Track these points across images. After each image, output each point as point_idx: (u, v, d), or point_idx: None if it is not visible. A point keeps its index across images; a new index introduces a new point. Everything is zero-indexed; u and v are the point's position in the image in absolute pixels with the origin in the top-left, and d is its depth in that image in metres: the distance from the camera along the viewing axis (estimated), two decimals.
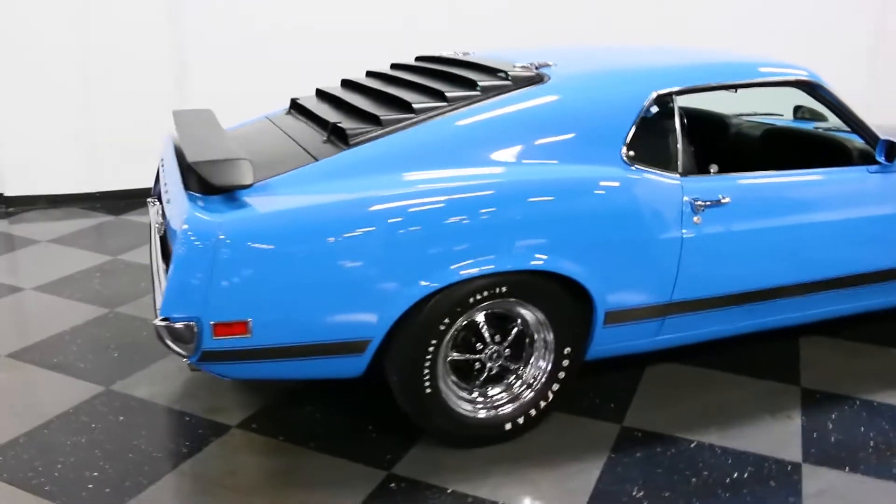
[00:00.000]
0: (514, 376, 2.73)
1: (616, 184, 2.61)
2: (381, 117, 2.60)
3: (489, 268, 2.44)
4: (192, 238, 2.26)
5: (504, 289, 2.52)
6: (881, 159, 3.05)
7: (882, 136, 3.08)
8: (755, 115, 3.92)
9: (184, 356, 2.35)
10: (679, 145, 2.78)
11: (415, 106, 2.64)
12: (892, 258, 3.13)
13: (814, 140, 3.38)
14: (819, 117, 4.30)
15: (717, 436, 2.79)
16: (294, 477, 2.54)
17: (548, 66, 2.87)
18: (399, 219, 2.37)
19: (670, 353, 3.31)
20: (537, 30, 5.89)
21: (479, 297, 2.49)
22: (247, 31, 5.58)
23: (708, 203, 2.73)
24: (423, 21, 5.78)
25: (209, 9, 5.52)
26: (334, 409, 2.92)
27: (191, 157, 2.37)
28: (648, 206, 2.66)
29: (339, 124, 2.64)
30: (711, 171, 3.64)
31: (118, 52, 5.40)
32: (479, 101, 2.66)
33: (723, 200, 2.76)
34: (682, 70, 2.92)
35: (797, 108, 4.30)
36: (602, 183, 2.59)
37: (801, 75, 3.01)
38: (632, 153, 2.69)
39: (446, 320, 2.48)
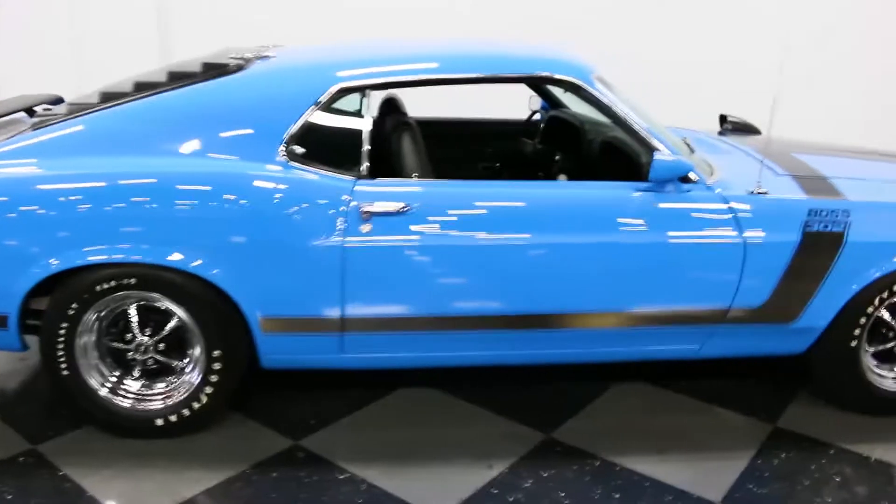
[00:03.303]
0: (168, 374, 2.66)
1: (262, 182, 2.44)
2: (69, 104, 2.68)
3: (101, 258, 2.41)
4: None
5: (133, 280, 2.48)
6: (651, 176, 2.52)
7: (663, 152, 2.54)
8: None
9: None
10: (365, 146, 2.52)
11: (104, 94, 2.67)
12: (641, 299, 2.56)
13: (621, 150, 2.85)
14: (751, 130, 3.64)
15: (380, 472, 2.50)
16: None
17: (265, 58, 2.75)
18: (21, 202, 2.43)
19: (433, 376, 3.01)
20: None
21: (105, 286, 2.47)
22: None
23: (380, 211, 2.45)
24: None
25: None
26: None
27: None
28: (298, 208, 2.44)
29: (47, 108, 2.76)
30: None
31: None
32: (162, 89, 2.62)
33: (402, 209, 2.46)
34: (382, 63, 2.63)
35: (722, 119, 3.66)
36: (241, 180, 2.43)
37: (546, 72, 2.57)
38: (295, 150, 2.49)
39: (75, 305, 2.49)
